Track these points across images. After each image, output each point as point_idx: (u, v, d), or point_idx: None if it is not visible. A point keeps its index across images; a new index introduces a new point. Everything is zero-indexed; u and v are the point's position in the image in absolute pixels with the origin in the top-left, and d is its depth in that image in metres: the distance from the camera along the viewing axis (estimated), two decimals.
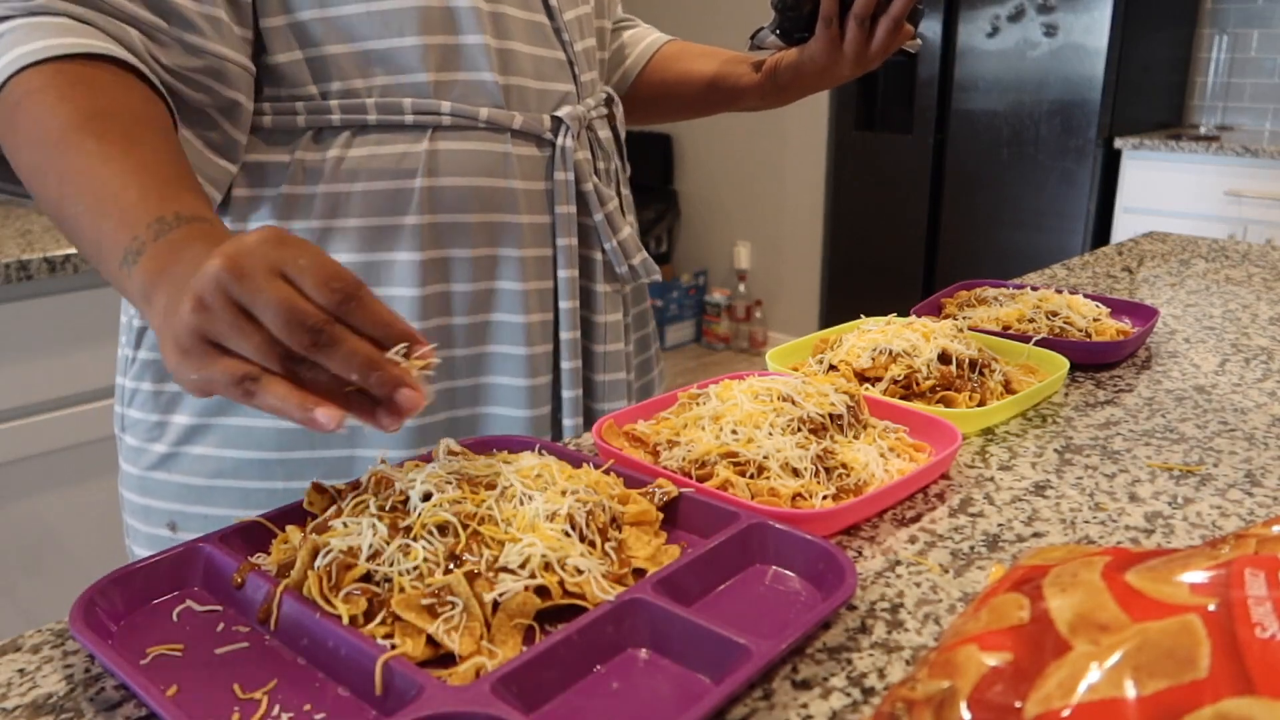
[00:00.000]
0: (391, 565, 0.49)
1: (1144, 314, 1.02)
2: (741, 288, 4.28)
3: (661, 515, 0.59)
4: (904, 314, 0.92)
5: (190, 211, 0.56)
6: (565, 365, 0.86)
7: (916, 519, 0.62)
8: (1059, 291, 1.02)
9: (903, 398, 0.78)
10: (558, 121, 0.84)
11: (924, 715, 0.34)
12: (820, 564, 0.53)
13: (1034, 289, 1.05)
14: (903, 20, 0.90)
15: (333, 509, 0.55)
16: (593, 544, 0.53)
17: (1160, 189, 2.89)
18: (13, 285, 1.54)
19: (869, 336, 0.83)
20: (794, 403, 0.68)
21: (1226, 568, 0.34)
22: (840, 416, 0.68)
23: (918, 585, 0.54)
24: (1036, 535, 0.60)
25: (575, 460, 0.64)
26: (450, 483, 0.54)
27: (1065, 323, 0.95)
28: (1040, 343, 0.90)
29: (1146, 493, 0.66)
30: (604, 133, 0.90)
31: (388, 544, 0.50)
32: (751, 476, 0.63)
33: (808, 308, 4.11)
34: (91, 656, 0.48)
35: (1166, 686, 0.30)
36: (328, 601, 0.48)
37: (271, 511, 0.58)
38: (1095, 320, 0.97)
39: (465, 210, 0.80)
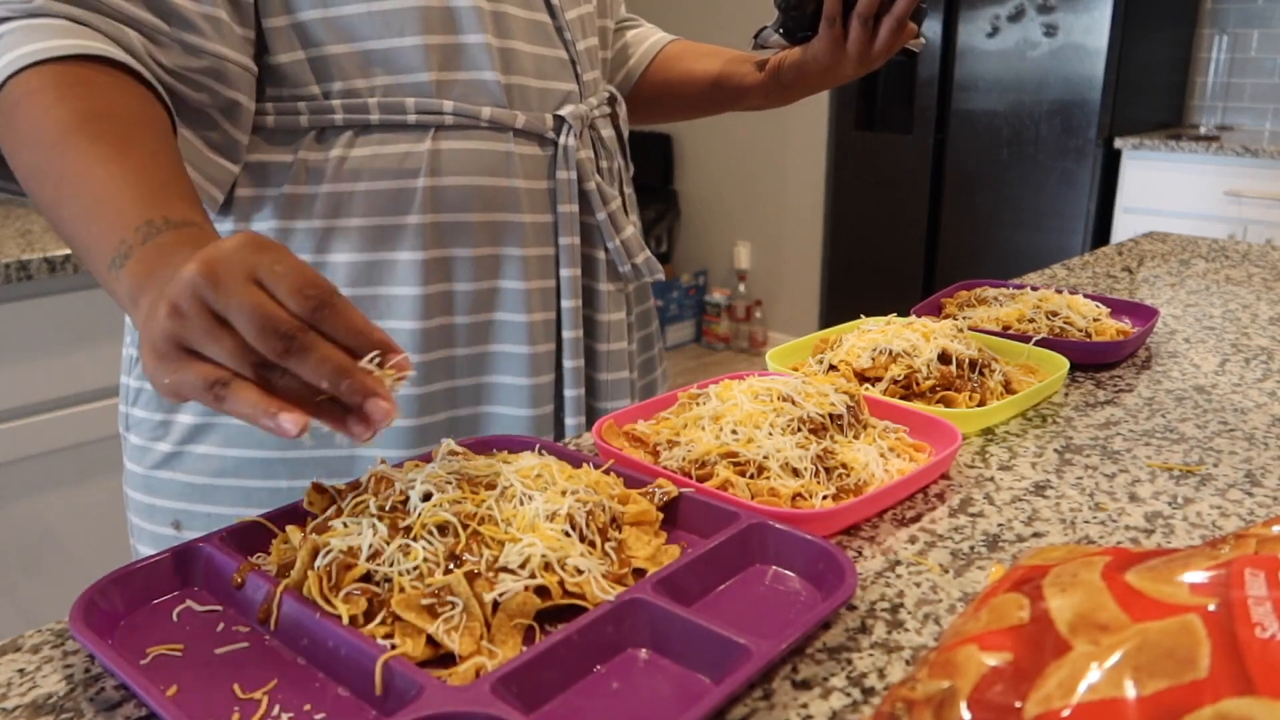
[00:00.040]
0: (391, 565, 0.49)
1: (1144, 314, 1.02)
2: (741, 288, 4.28)
3: (661, 515, 0.59)
4: (904, 314, 0.92)
5: (179, 216, 0.56)
6: (567, 364, 0.86)
7: (916, 519, 0.62)
8: (1059, 291, 1.02)
9: (903, 398, 0.78)
10: (560, 120, 0.84)
11: (924, 715, 0.34)
12: (820, 564, 0.53)
13: (1034, 289, 1.05)
14: (906, 19, 0.90)
15: (332, 509, 0.55)
16: (593, 544, 0.53)
17: (1160, 189, 2.89)
18: (13, 285, 1.54)
19: (869, 336, 0.83)
20: (794, 403, 0.68)
21: (1226, 568, 0.34)
22: (840, 416, 0.68)
23: (918, 585, 0.54)
24: (1036, 535, 0.60)
25: (575, 460, 0.64)
26: (450, 483, 0.54)
27: (1065, 323, 0.95)
28: (1040, 343, 0.90)
29: (1146, 493, 0.66)
30: (607, 132, 0.90)
31: (388, 544, 0.50)
32: (751, 476, 0.63)
33: (808, 308, 4.11)
34: (91, 656, 0.48)
35: (1166, 686, 0.30)
36: (328, 601, 0.48)
37: (271, 511, 0.58)
38: (1095, 320, 0.97)
39: (468, 209, 0.80)
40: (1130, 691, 0.30)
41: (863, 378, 0.81)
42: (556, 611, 0.50)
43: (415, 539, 0.50)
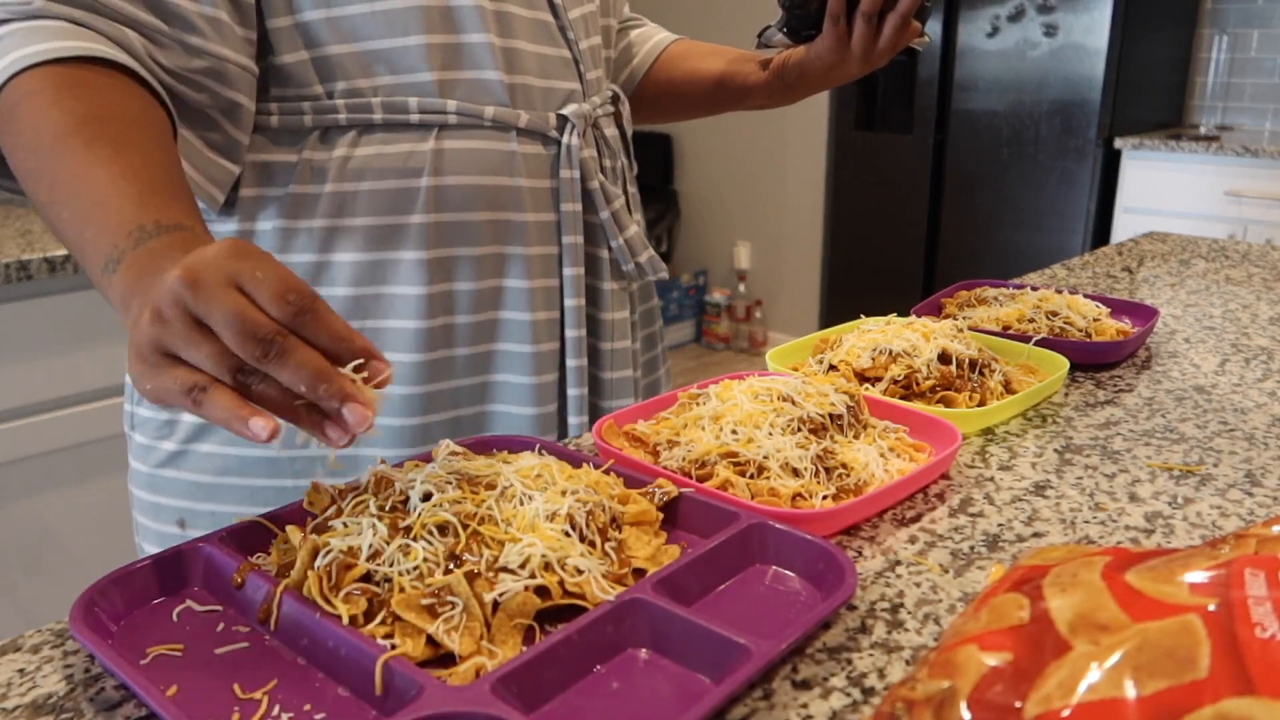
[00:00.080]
0: (391, 565, 0.49)
1: (1144, 314, 1.02)
2: (741, 288, 4.28)
3: (661, 515, 0.59)
4: (904, 314, 0.92)
5: (171, 220, 0.56)
6: (571, 363, 0.86)
7: (916, 519, 0.62)
8: (1059, 291, 1.02)
9: (903, 398, 0.78)
10: (563, 120, 0.84)
11: (924, 715, 0.34)
12: (820, 564, 0.53)
13: (1034, 289, 1.05)
14: (910, 17, 0.90)
15: (332, 509, 0.55)
16: (593, 544, 0.53)
17: (1160, 189, 2.89)
18: (13, 285, 1.54)
19: (869, 336, 0.83)
20: (794, 403, 0.68)
21: (1226, 568, 0.34)
22: (840, 416, 0.68)
23: (918, 585, 0.54)
24: (1036, 535, 0.60)
25: (575, 460, 0.64)
26: (450, 483, 0.54)
27: (1065, 323, 0.95)
28: (1040, 343, 0.90)
29: (1146, 493, 0.66)
30: (610, 131, 0.90)
31: (388, 544, 0.50)
32: (751, 476, 0.63)
33: (808, 308, 4.11)
34: (91, 656, 0.48)
35: (1166, 686, 0.30)
36: (328, 601, 0.48)
37: (271, 511, 0.58)
38: (1095, 320, 0.97)
39: (471, 209, 0.80)
40: (1130, 691, 0.30)
41: (863, 378, 0.81)
42: (556, 611, 0.50)
43: (415, 539, 0.50)
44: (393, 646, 0.46)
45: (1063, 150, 3.00)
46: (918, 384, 0.78)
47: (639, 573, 0.53)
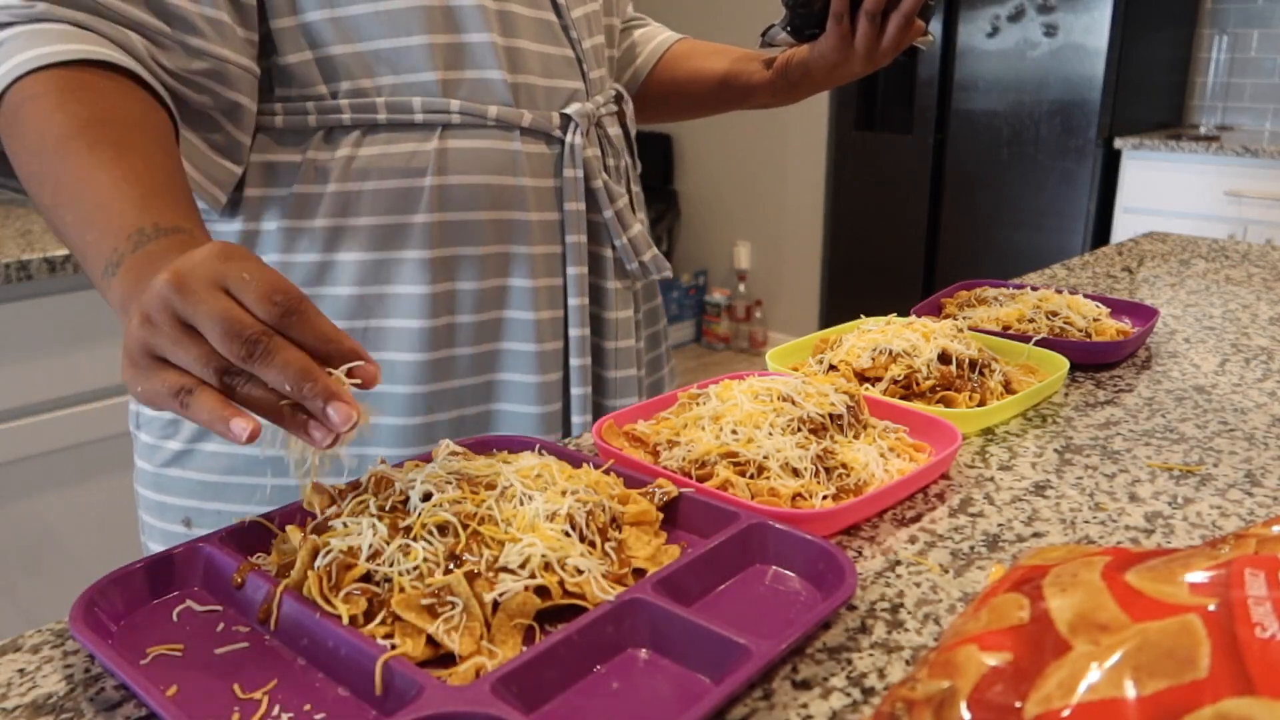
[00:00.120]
0: (391, 565, 0.49)
1: (1144, 314, 1.02)
2: (741, 288, 4.28)
3: (661, 515, 0.59)
4: (904, 314, 0.92)
5: (169, 223, 0.56)
6: (574, 362, 0.87)
7: (916, 519, 0.62)
8: (1059, 291, 1.02)
9: (903, 398, 0.78)
10: (566, 119, 0.84)
11: (924, 715, 0.34)
12: (820, 564, 0.53)
13: (1034, 289, 1.05)
14: (914, 16, 0.90)
15: (332, 509, 0.55)
16: (593, 544, 0.53)
17: (1160, 189, 2.89)
18: (13, 285, 1.54)
19: (869, 336, 0.83)
20: (794, 403, 0.68)
21: (1226, 568, 0.34)
22: (840, 416, 0.68)
23: (918, 585, 0.54)
24: (1036, 535, 0.60)
25: (575, 460, 0.64)
26: (450, 483, 0.54)
27: (1065, 323, 0.95)
28: (1040, 343, 0.90)
29: (1146, 493, 0.66)
30: (614, 130, 0.90)
31: (388, 544, 0.50)
32: (751, 476, 0.63)
33: (808, 308, 4.11)
34: (91, 656, 0.48)
35: (1166, 686, 0.30)
36: (328, 601, 0.48)
37: (271, 511, 0.58)
38: (1095, 320, 0.97)
39: (475, 208, 0.80)
40: (1130, 691, 0.30)
41: (863, 378, 0.81)
42: (556, 611, 0.50)
43: (415, 539, 0.50)
44: (393, 646, 0.46)
45: (1063, 150, 3.00)
46: (918, 384, 0.78)
47: (639, 573, 0.53)
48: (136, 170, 0.59)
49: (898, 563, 0.57)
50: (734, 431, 0.66)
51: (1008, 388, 0.81)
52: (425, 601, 0.47)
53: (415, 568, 0.49)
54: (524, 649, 0.47)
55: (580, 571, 0.50)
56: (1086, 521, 0.62)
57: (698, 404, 0.71)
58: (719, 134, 4.23)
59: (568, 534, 0.52)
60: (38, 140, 0.61)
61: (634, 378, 0.92)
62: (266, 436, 0.49)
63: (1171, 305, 1.14)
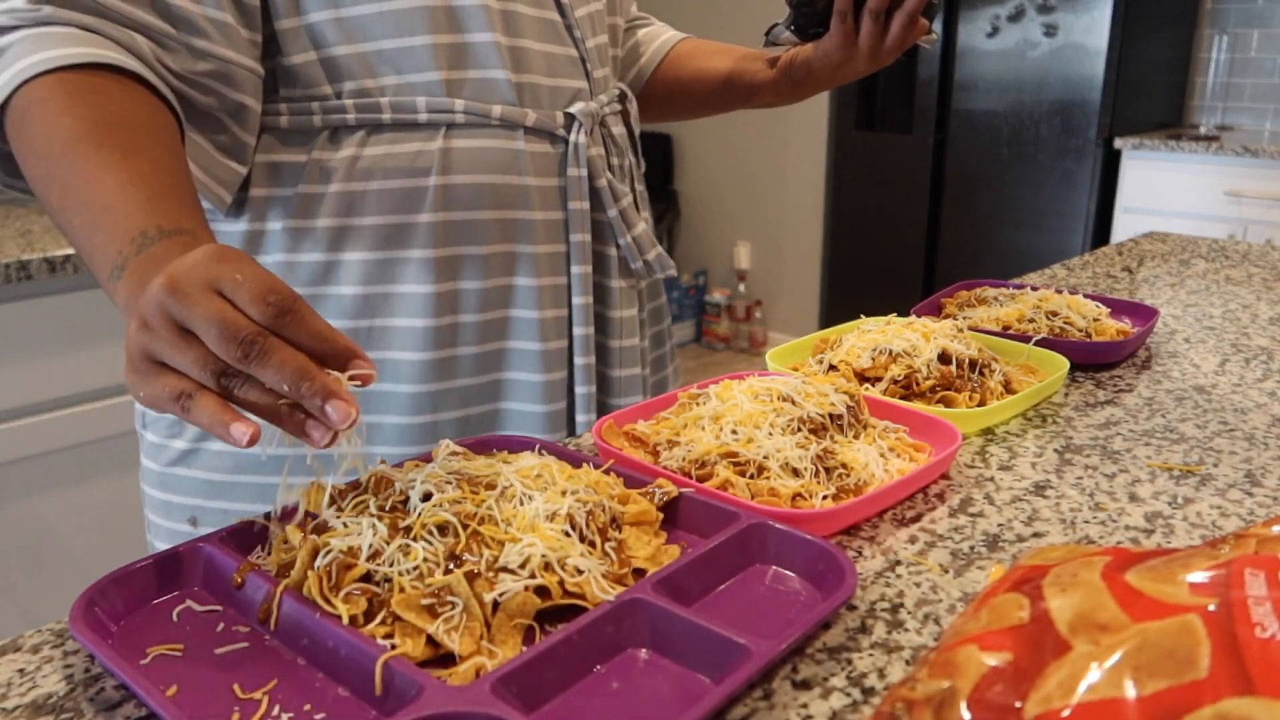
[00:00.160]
0: (391, 565, 0.49)
1: (1144, 314, 1.02)
2: (741, 288, 4.28)
3: (661, 515, 0.59)
4: (904, 314, 0.92)
5: (172, 224, 0.57)
6: (579, 361, 0.87)
7: (916, 519, 0.62)
8: (1059, 291, 1.02)
9: (903, 398, 0.78)
10: (570, 118, 0.84)
11: (924, 715, 0.34)
12: (820, 564, 0.53)
13: (1034, 289, 1.05)
14: (917, 15, 0.90)
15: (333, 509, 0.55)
16: (593, 544, 0.53)
17: (1160, 189, 2.89)
18: (13, 285, 1.54)
19: (869, 336, 0.83)
20: (794, 403, 0.68)
21: (1226, 568, 0.34)
22: (840, 416, 0.68)
23: (918, 585, 0.54)
24: (1036, 535, 0.60)
25: (575, 460, 0.64)
26: (450, 483, 0.54)
27: (1065, 323, 0.95)
28: (1040, 343, 0.90)
29: (1146, 493, 0.66)
30: (618, 129, 0.90)
31: (388, 544, 0.50)
32: (751, 476, 0.63)
33: (808, 308, 4.11)
34: (91, 656, 0.48)
35: (1166, 686, 0.30)
36: (328, 601, 0.48)
37: (270, 511, 0.58)
38: (1095, 320, 0.97)
39: (479, 207, 0.80)
40: (1130, 691, 0.30)
41: (863, 378, 0.81)
42: (556, 611, 0.50)
43: (415, 539, 0.50)
44: (393, 646, 0.46)
45: (1063, 150, 3.00)
46: (918, 384, 0.78)
47: (639, 573, 0.53)
48: (142, 172, 0.60)
49: (898, 563, 0.57)
50: (734, 431, 0.66)
51: (1008, 388, 0.81)
52: (425, 601, 0.47)
53: (415, 568, 0.49)
54: (524, 649, 0.47)
55: (580, 571, 0.50)
56: (1086, 521, 0.62)
57: (698, 404, 0.71)
58: (719, 134, 4.23)
59: (568, 534, 0.52)
60: (44, 144, 0.61)
61: (638, 376, 0.92)
62: (266, 436, 0.49)
63: (1171, 305, 1.14)
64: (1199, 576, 0.34)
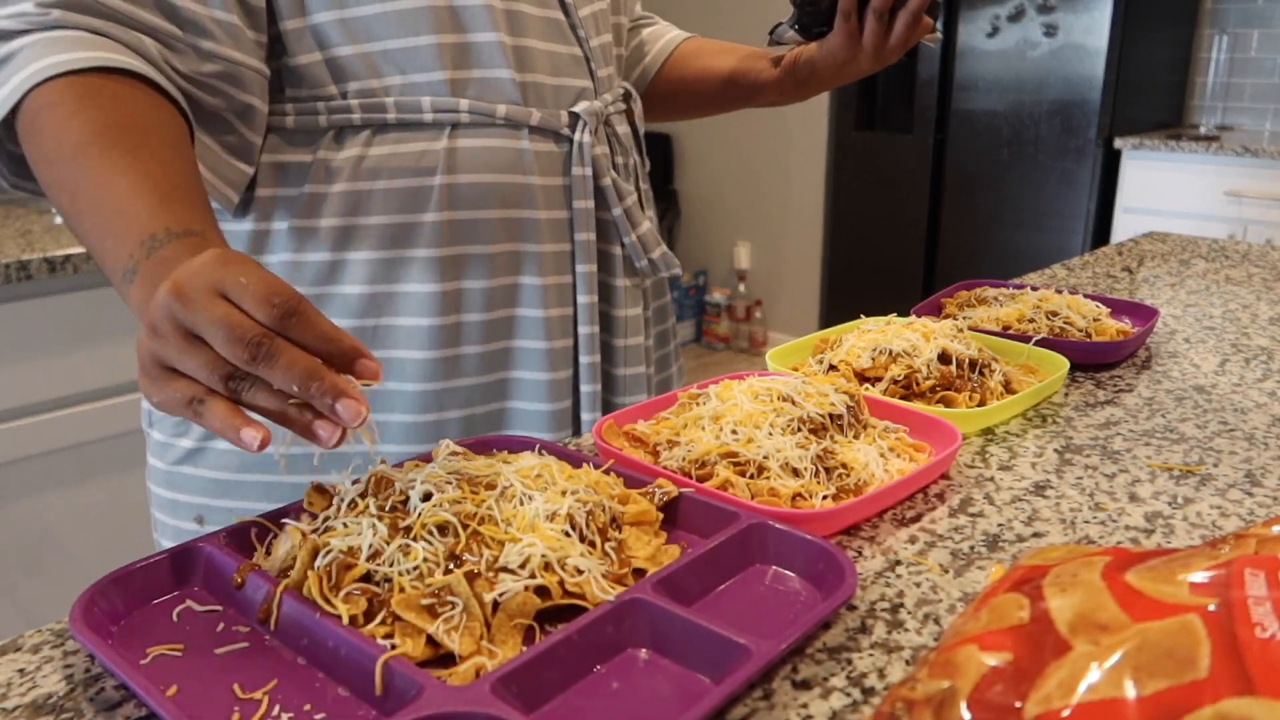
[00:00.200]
0: (391, 565, 0.49)
1: (1144, 314, 1.02)
2: (741, 288, 4.28)
3: (661, 515, 0.59)
4: (904, 314, 0.92)
5: (182, 226, 0.57)
6: (584, 360, 0.87)
7: (916, 519, 0.62)
8: (1059, 291, 1.02)
9: (903, 398, 0.78)
10: (575, 117, 0.84)
11: (924, 715, 0.34)
12: (820, 564, 0.53)
13: (1034, 289, 1.05)
14: (921, 13, 0.90)
15: (332, 509, 0.55)
16: (593, 544, 0.53)
17: (1160, 189, 2.89)
18: (13, 285, 1.54)
19: (869, 336, 0.83)
20: (794, 403, 0.68)
21: (1226, 568, 0.34)
22: (840, 416, 0.68)
23: (918, 585, 0.54)
24: (1036, 535, 0.60)
25: (575, 460, 0.64)
26: (450, 483, 0.54)
27: (1065, 323, 0.95)
28: (1040, 343, 0.90)
29: (1146, 493, 0.66)
30: (622, 128, 0.91)
31: (388, 544, 0.50)
32: (751, 476, 0.63)
33: (808, 308, 4.11)
34: (91, 656, 0.48)
35: (1166, 686, 0.30)
36: (328, 601, 0.48)
37: (271, 511, 0.58)
38: (1095, 320, 0.97)
39: (484, 206, 0.81)
40: (1130, 691, 0.30)
41: (863, 378, 0.81)
42: (556, 611, 0.50)
43: (415, 539, 0.50)
44: (393, 646, 0.46)
45: (1063, 150, 3.00)
46: (918, 384, 0.78)
47: (639, 573, 0.53)
48: (152, 174, 0.60)
49: (898, 563, 0.57)
50: (734, 431, 0.66)
51: (1008, 388, 0.81)
52: (425, 601, 0.47)
53: (415, 568, 0.49)
54: (524, 649, 0.47)
55: (580, 571, 0.50)
56: (1086, 521, 0.62)
57: (698, 404, 0.71)
58: (719, 134, 4.23)
59: (568, 534, 0.52)
60: (55, 148, 0.62)
61: (643, 375, 0.93)
62: (278, 436, 0.50)
63: (1171, 305, 1.14)
64: (1199, 576, 0.34)
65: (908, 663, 0.47)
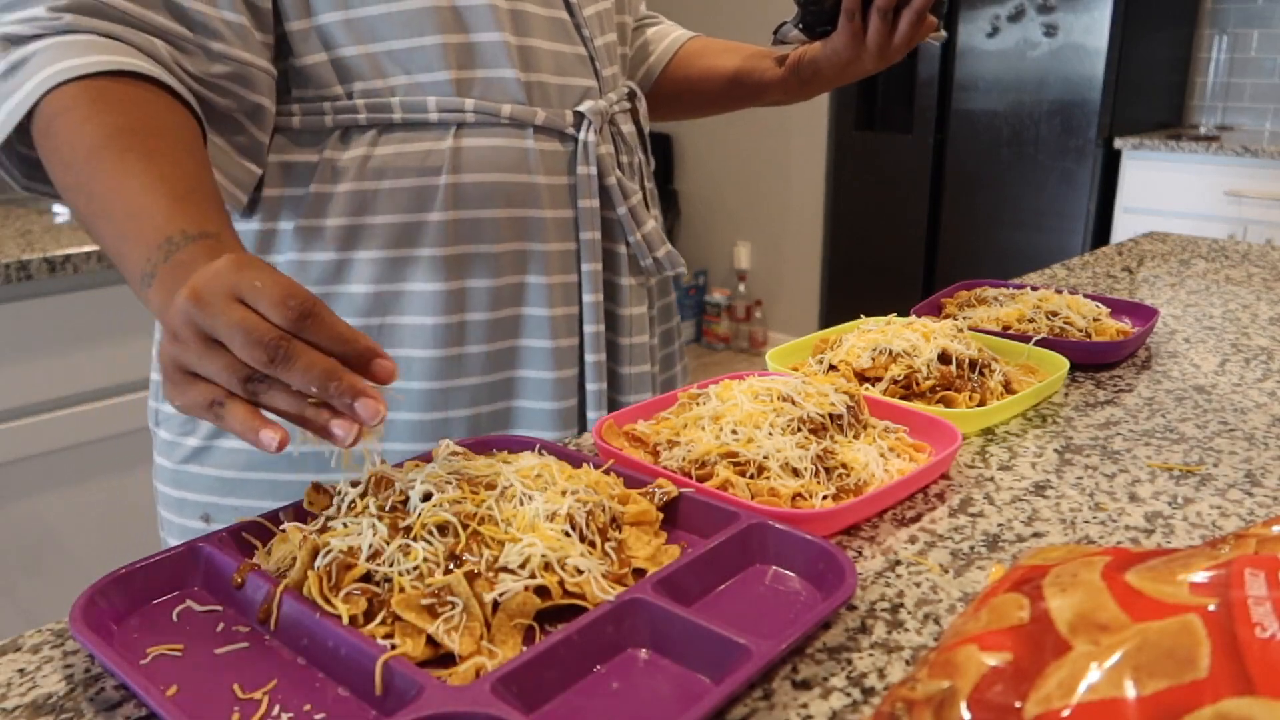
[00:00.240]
0: (391, 565, 0.49)
1: (1144, 314, 1.02)
2: (741, 288, 4.28)
3: (661, 515, 0.59)
4: (904, 314, 0.92)
5: (197, 228, 0.58)
6: (589, 358, 0.87)
7: (916, 519, 0.62)
8: (1059, 291, 1.02)
9: (903, 398, 0.78)
10: (580, 116, 0.84)
11: (924, 715, 0.34)
12: (820, 564, 0.53)
13: (1034, 289, 1.05)
14: (925, 12, 0.90)
15: (332, 509, 0.55)
16: (593, 544, 0.53)
17: (1160, 189, 2.89)
18: (13, 285, 1.54)
19: (869, 336, 0.83)
20: (794, 403, 0.68)
21: (1226, 568, 0.34)
22: (840, 416, 0.68)
23: (918, 585, 0.54)
24: (1036, 535, 0.60)
25: (575, 460, 0.64)
26: (450, 483, 0.54)
27: (1065, 323, 0.95)
28: (1040, 343, 0.90)
29: (1146, 493, 0.66)
30: (627, 127, 0.91)
31: (388, 544, 0.50)
32: (751, 476, 0.63)
33: (808, 308, 4.11)
34: (91, 656, 0.48)
35: (1166, 686, 0.30)
36: (328, 601, 0.48)
37: (271, 511, 0.58)
38: (1095, 320, 0.97)
39: (489, 206, 0.81)
40: (1130, 691, 0.30)
41: (863, 378, 0.81)
42: (556, 611, 0.50)
43: (415, 539, 0.50)
44: (393, 646, 0.46)
45: (1063, 150, 3.00)
46: (918, 384, 0.78)
47: (639, 573, 0.53)
48: (166, 177, 0.61)
49: (898, 563, 0.57)
50: (734, 431, 0.66)
51: (1008, 388, 0.81)
52: (425, 601, 0.47)
53: (415, 568, 0.49)
54: (524, 649, 0.47)
55: (580, 571, 0.50)
56: (1086, 521, 0.62)
57: (698, 404, 0.71)
58: (719, 134, 4.23)
59: (568, 534, 0.52)
60: (70, 153, 0.62)
61: (648, 374, 0.93)
62: (295, 435, 0.50)
63: (1171, 305, 1.14)
64: (1199, 576, 0.34)
65: (908, 663, 0.47)
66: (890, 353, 0.80)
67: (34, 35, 0.66)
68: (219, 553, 0.53)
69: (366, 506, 0.53)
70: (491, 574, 0.49)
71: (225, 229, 0.60)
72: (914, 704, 0.35)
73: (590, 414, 0.88)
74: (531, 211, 0.83)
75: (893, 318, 0.87)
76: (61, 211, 1.93)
